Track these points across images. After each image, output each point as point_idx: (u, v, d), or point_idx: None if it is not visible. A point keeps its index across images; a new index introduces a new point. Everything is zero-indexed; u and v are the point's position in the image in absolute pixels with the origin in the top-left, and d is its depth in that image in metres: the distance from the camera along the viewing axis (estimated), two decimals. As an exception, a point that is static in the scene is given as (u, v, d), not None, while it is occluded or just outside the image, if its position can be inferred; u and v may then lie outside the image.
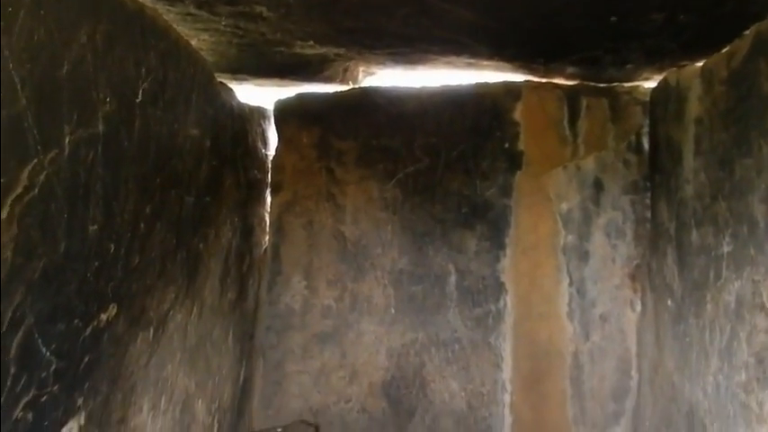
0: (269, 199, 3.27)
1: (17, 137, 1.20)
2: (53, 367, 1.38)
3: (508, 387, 3.04)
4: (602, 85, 3.04)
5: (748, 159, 1.91)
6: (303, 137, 3.20)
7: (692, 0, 1.96)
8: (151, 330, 1.92)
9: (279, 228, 3.20)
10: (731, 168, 2.03)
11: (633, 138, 2.99)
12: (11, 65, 1.16)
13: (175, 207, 2.07)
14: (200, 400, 2.41)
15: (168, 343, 2.08)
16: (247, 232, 3.01)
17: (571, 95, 3.05)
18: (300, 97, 3.22)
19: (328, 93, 3.20)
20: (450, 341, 3.09)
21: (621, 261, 3.00)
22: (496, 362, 3.05)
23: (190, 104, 2.14)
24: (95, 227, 1.51)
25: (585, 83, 3.06)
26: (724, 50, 2.15)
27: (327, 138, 3.19)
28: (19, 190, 1.22)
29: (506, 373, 3.04)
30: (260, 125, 3.20)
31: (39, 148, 1.26)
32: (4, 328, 1.20)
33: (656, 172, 2.82)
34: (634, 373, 2.96)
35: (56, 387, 1.40)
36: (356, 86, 3.22)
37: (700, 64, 2.37)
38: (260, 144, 3.19)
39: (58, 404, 1.41)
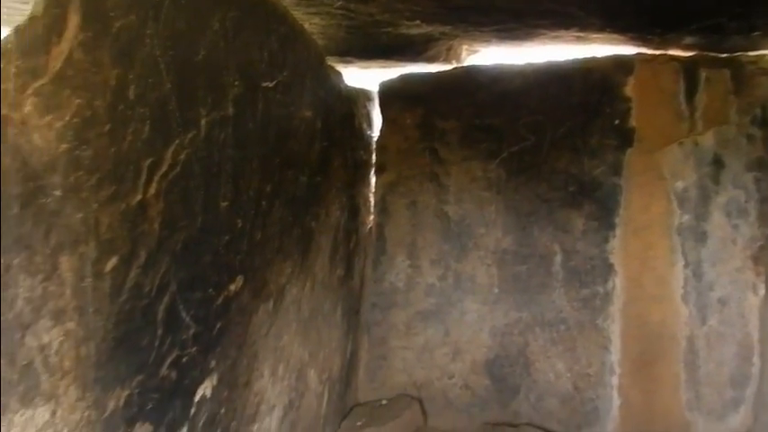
0: (373, 179, 3.33)
1: (163, 119, 1.30)
2: (192, 331, 1.50)
3: (616, 369, 2.96)
4: (723, 55, 2.86)
5: None
6: (406, 118, 3.23)
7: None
8: (271, 302, 2.04)
9: (383, 208, 3.27)
10: None
11: (759, 111, 2.80)
12: (157, 52, 1.26)
13: (291, 186, 2.17)
14: (312, 370, 2.53)
15: (285, 314, 2.19)
16: (354, 211, 3.09)
17: (688, 67, 2.88)
18: (404, 78, 3.25)
19: (431, 73, 3.21)
20: (556, 322, 3.04)
21: (743, 242, 2.82)
22: (604, 344, 2.98)
23: (304, 87, 2.23)
24: (226, 203, 1.62)
25: (704, 53, 2.88)
26: None
27: (430, 118, 3.20)
28: (164, 168, 1.33)
29: (615, 355, 2.96)
30: (365, 107, 3.27)
31: (180, 129, 1.37)
32: (153, 294, 1.32)
33: (785, 147, 2.63)
34: (756, 359, 2.80)
35: (194, 349, 1.52)
36: (459, 65, 3.21)
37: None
38: (365, 125, 3.26)
39: (195, 365, 1.54)
